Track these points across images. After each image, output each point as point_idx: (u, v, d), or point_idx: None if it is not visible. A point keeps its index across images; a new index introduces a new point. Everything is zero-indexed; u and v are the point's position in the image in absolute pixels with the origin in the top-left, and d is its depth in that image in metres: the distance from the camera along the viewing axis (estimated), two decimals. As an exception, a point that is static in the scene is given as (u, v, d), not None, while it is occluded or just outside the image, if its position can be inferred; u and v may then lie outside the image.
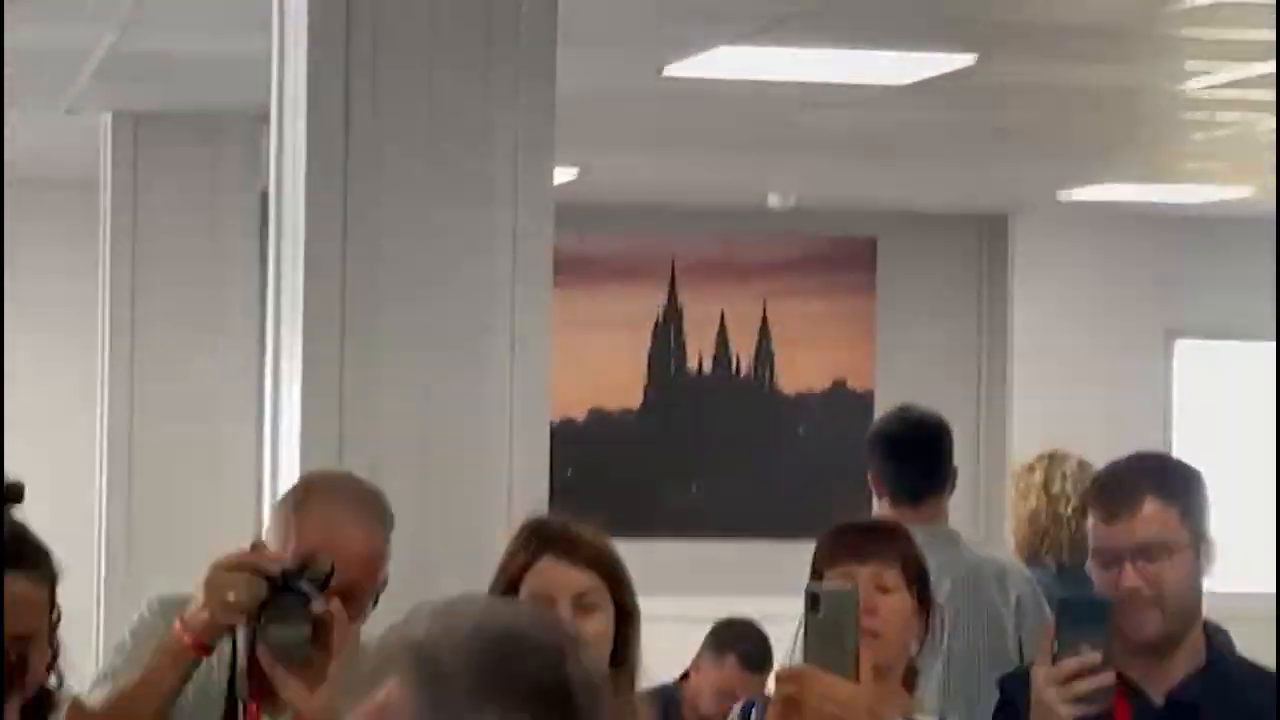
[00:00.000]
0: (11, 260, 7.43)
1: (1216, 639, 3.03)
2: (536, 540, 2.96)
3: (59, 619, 2.72)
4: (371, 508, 3.02)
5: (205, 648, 2.88)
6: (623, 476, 8.11)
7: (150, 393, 5.54)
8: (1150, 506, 2.82)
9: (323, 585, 2.79)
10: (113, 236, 5.65)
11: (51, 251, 7.40)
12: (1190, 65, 4.96)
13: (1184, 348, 9.18)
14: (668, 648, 5.49)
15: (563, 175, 5.45)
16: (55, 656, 2.74)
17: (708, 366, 8.48)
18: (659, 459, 8.34)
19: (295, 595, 2.78)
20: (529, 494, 3.82)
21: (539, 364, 3.95)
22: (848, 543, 3.36)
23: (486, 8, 3.74)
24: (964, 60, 4.80)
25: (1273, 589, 5.78)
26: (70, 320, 6.92)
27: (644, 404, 8.42)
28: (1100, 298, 8.73)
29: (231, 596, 2.77)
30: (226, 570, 2.83)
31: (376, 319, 3.72)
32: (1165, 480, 2.89)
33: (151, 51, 4.97)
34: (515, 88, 3.73)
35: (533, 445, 3.96)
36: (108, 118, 5.70)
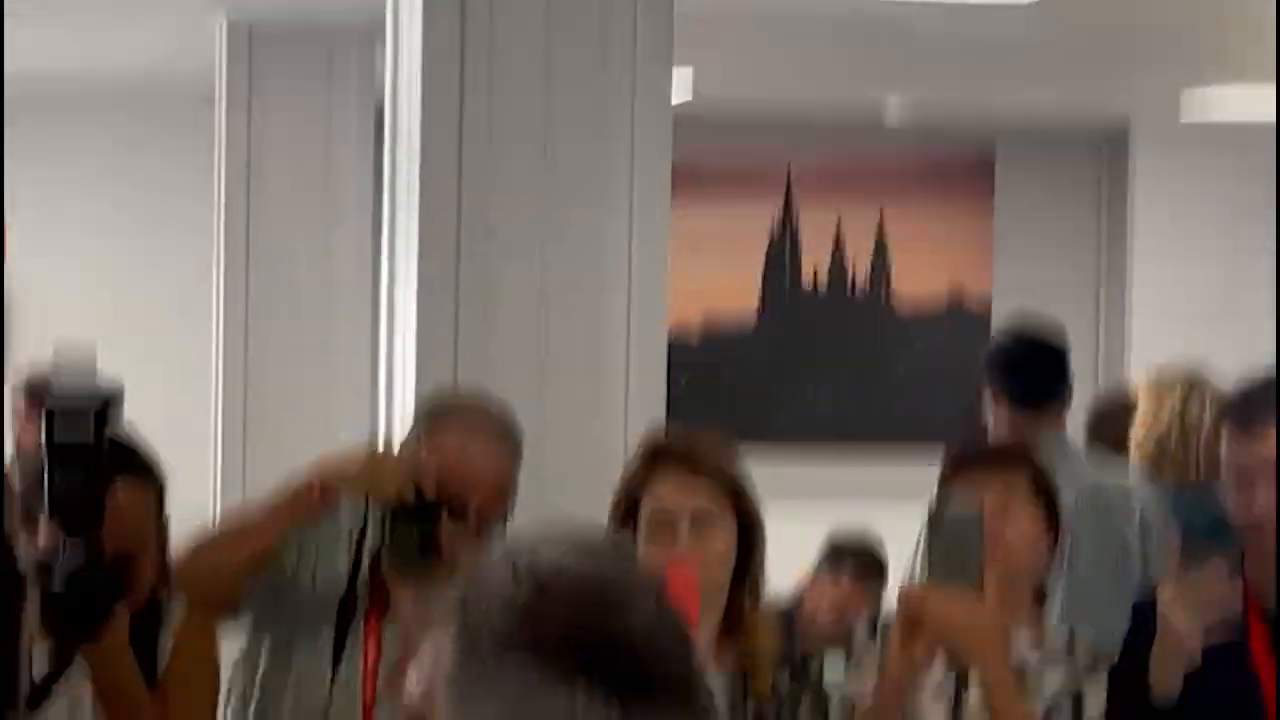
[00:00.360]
0: (130, 170, 7.58)
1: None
2: (655, 457, 2.95)
3: (168, 527, 2.76)
4: (505, 435, 3.03)
5: (329, 505, 2.91)
6: (736, 394, 8.10)
7: (265, 299, 5.58)
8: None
9: (452, 512, 2.84)
10: (228, 147, 5.67)
11: (167, 162, 7.47)
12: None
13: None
14: (782, 559, 5.52)
15: (677, 86, 5.41)
16: (165, 566, 2.77)
17: (823, 281, 8.41)
18: (773, 375, 8.31)
19: (427, 515, 2.81)
20: (647, 409, 3.81)
21: (656, 277, 3.94)
22: (975, 462, 3.31)
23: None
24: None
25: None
26: (186, 230, 6.97)
27: (758, 320, 8.38)
28: (1221, 213, 8.55)
29: (388, 480, 2.81)
30: (392, 461, 2.89)
31: (491, 229, 3.71)
32: None
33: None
34: (633, -4, 3.71)
35: (650, 359, 3.95)
36: (223, 29, 5.70)
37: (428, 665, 1.17)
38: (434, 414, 3.13)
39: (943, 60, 6.68)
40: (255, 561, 2.87)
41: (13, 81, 4.11)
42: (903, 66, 6.95)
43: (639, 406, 3.80)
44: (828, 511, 5.80)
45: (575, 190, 3.76)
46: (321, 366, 5.67)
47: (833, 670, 3.42)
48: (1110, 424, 4.64)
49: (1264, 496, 2.65)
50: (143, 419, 3.63)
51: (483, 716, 1.13)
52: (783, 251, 8.41)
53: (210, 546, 2.95)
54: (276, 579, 2.88)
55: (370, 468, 2.98)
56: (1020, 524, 2.90)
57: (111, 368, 3.47)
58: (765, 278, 8.34)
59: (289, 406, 5.46)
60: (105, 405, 2.70)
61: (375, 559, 2.92)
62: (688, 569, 2.76)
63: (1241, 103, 7.39)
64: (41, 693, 2.66)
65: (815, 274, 8.41)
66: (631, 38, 3.74)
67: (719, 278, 8.13)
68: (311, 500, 2.91)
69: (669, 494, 2.93)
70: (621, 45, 3.73)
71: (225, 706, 3.10)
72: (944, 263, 8.43)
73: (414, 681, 1.19)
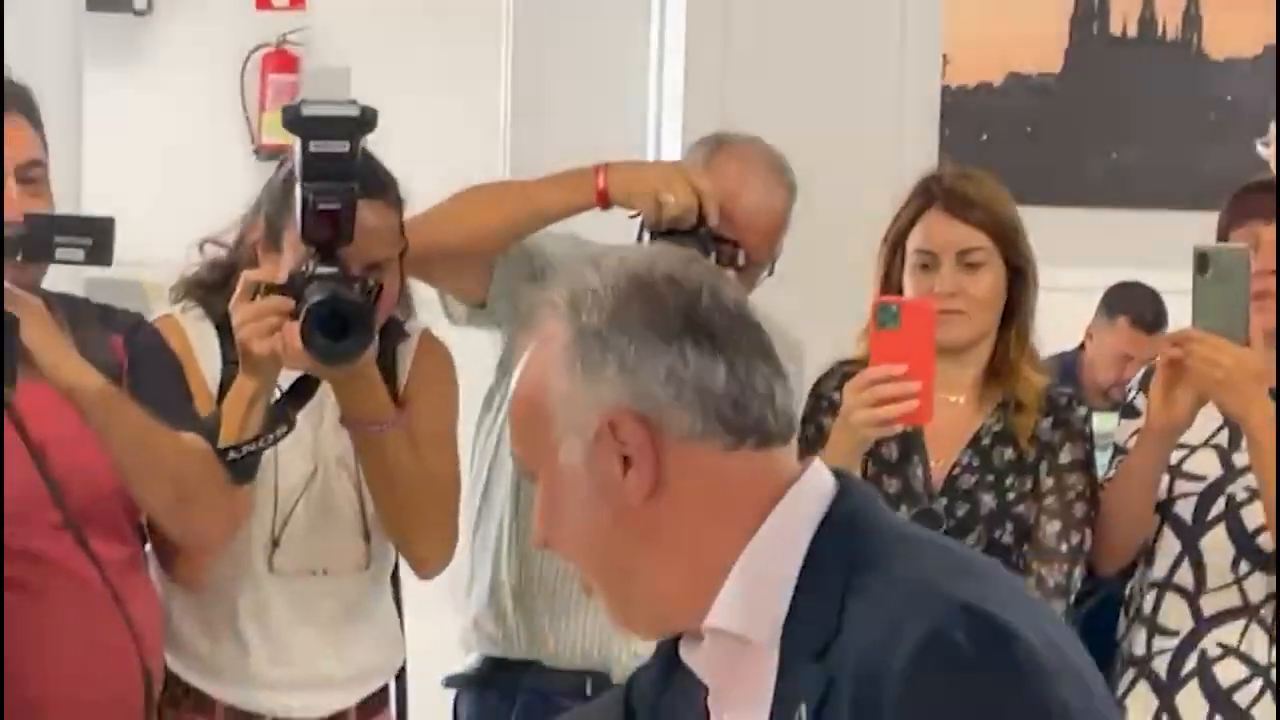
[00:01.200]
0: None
1: None
2: (927, 193, 2.94)
3: (407, 248, 2.80)
4: (782, 176, 3.03)
5: (605, 202, 2.96)
6: (1040, 143, 7.84)
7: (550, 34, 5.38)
8: None
9: (719, 249, 2.82)
10: None
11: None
12: None
13: None
14: (1076, 318, 5.35)
15: None
16: (404, 286, 2.83)
17: (1132, 28, 8.00)
18: (1078, 125, 7.99)
19: (700, 243, 2.84)
20: (920, 152, 3.77)
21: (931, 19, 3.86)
22: (1252, 201, 3.15)
23: None
24: None
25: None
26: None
27: (1064, 67, 8.05)
28: None
29: (677, 193, 2.86)
30: (682, 178, 2.91)
31: None
32: None
33: None
34: None
35: (924, 101, 3.91)
36: None
37: (532, 362, 1.39)
38: (712, 148, 3.12)
39: None
40: (517, 226, 2.84)
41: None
42: None
43: (913, 149, 3.76)
44: (1126, 275, 5.62)
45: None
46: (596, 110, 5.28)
47: (1106, 420, 3.37)
48: None
49: None
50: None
51: (606, 380, 1.32)
52: (1091, -1, 7.96)
53: (468, 204, 2.95)
54: (526, 271, 2.90)
55: (660, 175, 2.99)
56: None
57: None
58: (1072, 24, 7.94)
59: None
60: (361, 119, 2.66)
61: None
62: (924, 303, 2.78)
63: None
64: (285, 414, 2.76)
65: (1124, 20, 7.86)
66: None
67: (1022, 27, 7.84)
68: (594, 187, 2.90)
69: (935, 232, 2.94)
70: None
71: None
72: (1259, 7, 7.70)
73: (518, 380, 1.41)
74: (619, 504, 1.37)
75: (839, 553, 1.36)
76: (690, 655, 1.43)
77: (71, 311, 2.72)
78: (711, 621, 1.37)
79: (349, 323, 2.55)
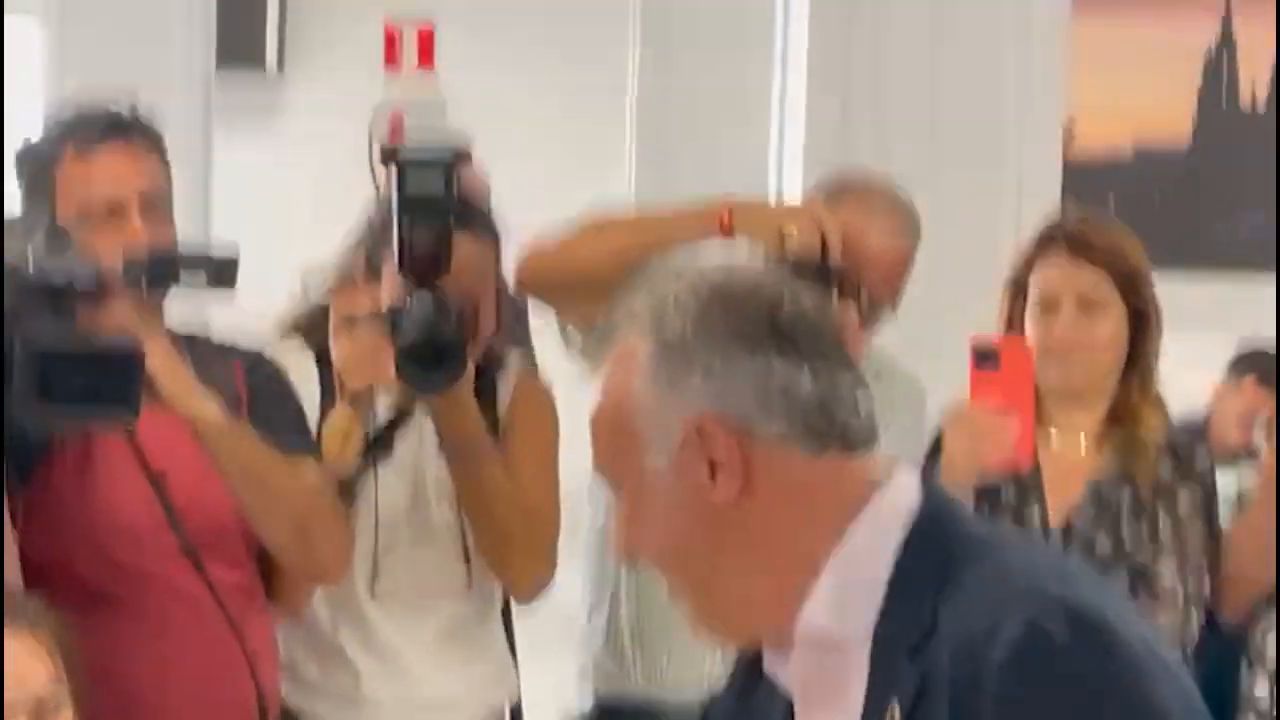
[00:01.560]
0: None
1: None
2: (1050, 236, 2.97)
3: (505, 283, 2.88)
4: (908, 219, 3.05)
5: (728, 233, 2.92)
6: (1167, 211, 7.84)
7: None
8: None
9: (841, 288, 2.88)
10: None
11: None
12: None
13: None
14: (1203, 383, 5.30)
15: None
16: (501, 318, 2.89)
17: (1261, 100, 7.97)
18: (1206, 195, 7.98)
19: (823, 280, 2.79)
20: (1040, 200, 3.80)
21: (1054, 67, 3.91)
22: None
23: None
24: None
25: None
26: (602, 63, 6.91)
27: (1192, 137, 8.02)
28: None
29: (803, 229, 2.84)
30: (808, 214, 2.93)
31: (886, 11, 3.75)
32: None
33: None
34: None
35: (1045, 152, 3.98)
36: None
37: (613, 374, 1.42)
38: (837, 188, 3.14)
39: None
40: (626, 260, 2.75)
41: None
42: None
43: (1032, 197, 3.80)
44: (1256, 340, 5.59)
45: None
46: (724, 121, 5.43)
47: (1232, 476, 3.36)
48: None
49: None
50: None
51: (691, 389, 1.35)
52: (1220, 68, 7.89)
53: (593, 232, 2.99)
54: None
55: (785, 211, 3.02)
56: None
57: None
58: (1201, 95, 7.92)
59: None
60: (455, 160, 2.78)
61: None
62: (1019, 343, 2.79)
63: None
64: (384, 441, 2.82)
65: (1253, 92, 7.88)
66: None
67: (1150, 98, 7.83)
68: (718, 221, 2.88)
69: (1056, 276, 2.94)
70: None
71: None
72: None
73: (600, 392, 1.44)
74: (707, 508, 1.39)
75: (930, 553, 1.37)
76: (775, 666, 1.44)
77: (194, 344, 2.79)
78: (804, 622, 1.38)
79: (443, 353, 2.63)
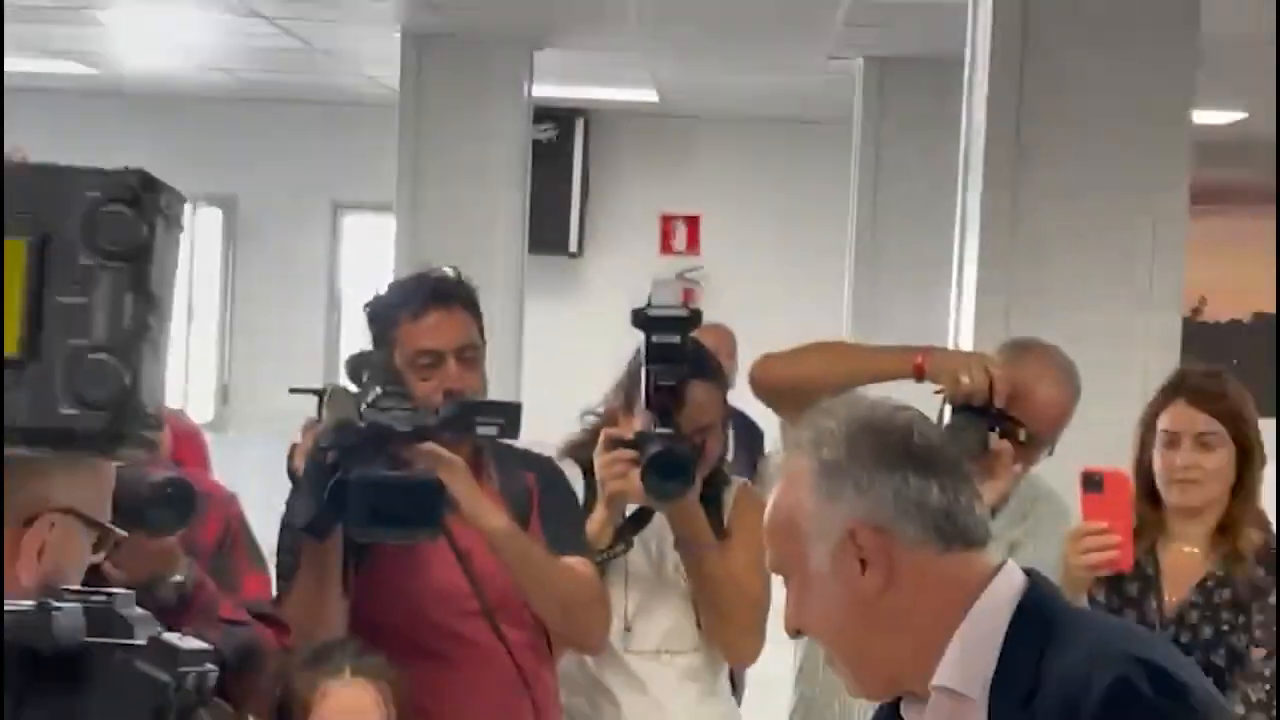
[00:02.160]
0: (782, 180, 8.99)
1: None
2: (1175, 386, 3.48)
3: (728, 422, 3.43)
4: (1072, 379, 3.47)
5: (920, 375, 3.30)
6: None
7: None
8: None
9: (1004, 428, 3.24)
10: (859, 173, 6.57)
11: (807, 186, 8.82)
12: None
13: None
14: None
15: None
16: (726, 443, 3.46)
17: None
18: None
19: (986, 417, 3.17)
20: (1162, 370, 4.12)
21: (1175, 269, 4.52)
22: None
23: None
24: None
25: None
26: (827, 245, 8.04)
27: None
28: None
29: (974, 374, 3.15)
30: (980, 364, 3.22)
31: (1041, 231, 4.61)
32: None
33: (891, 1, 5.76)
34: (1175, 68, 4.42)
35: (1167, 340, 4.42)
36: (861, 69, 6.54)
37: (784, 489, 1.65)
38: (1018, 348, 3.55)
39: None
40: (838, 380, 3.20)
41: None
42: None
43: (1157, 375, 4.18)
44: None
45: (1105, 205, 4.54)
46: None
47: None
48: None
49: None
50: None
51: (845, 500, 1.57)
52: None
53: (817, 352, 3.49)
54: None
55: (963, 360, 3.48)
56: None
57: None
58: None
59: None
60: (689, 319, 3.27)
61: None
62: (1120, 473, 3.28)
63: None
64: (628, 534, 3.26)
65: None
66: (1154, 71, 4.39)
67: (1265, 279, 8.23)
68: (913, 363, 3.32)
69: (1178, 417, 3.40)
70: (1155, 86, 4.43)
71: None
72: None
73: (772, 505, 1.67)
74: (859, 595, 1.58)
75: (1035, 624, 1.58)
76: (911, 714, 1.64)
77: (500, 453, 3.11)
78: (937, 680, 1.57)
79: (677, 470, 3.01)
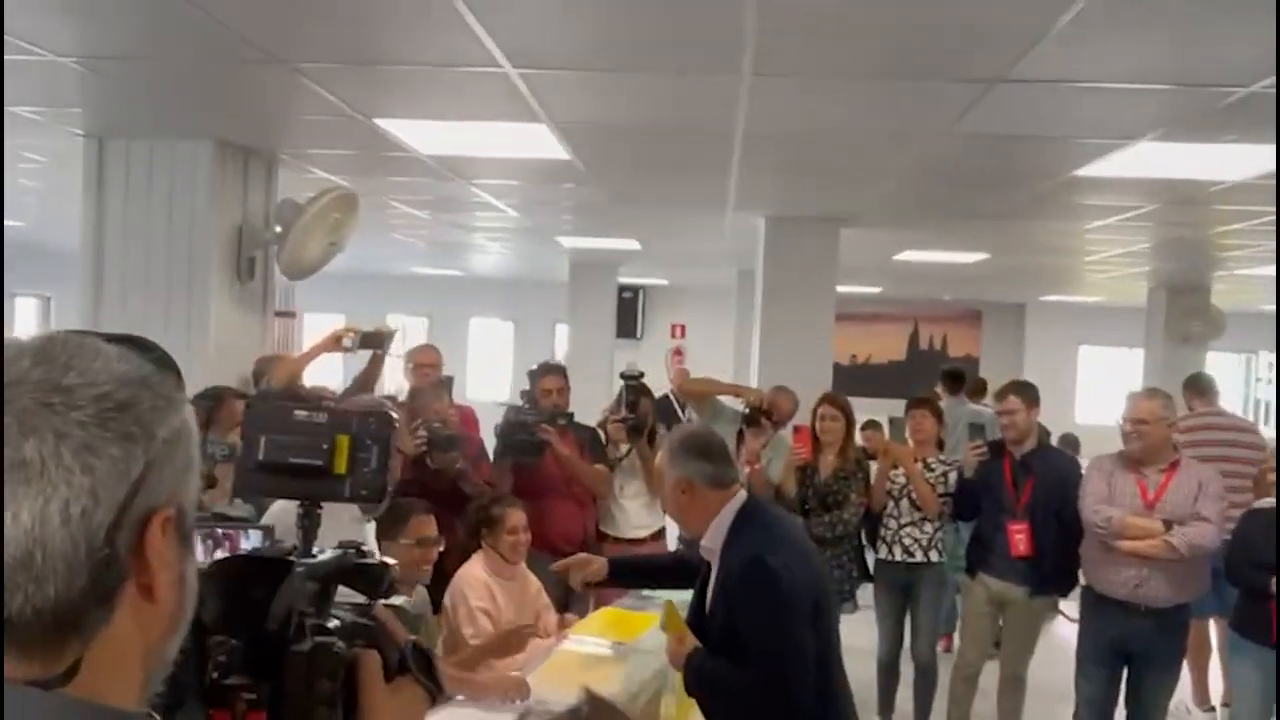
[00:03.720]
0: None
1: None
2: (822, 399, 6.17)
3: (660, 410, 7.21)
4: (793, 398, 6.58)
5: (739, 396, 6.47)
6: None
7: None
8: None
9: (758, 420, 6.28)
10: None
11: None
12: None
13: None
14: None
15: None
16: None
17: None
18: None
19: (754, 417, 6.33)
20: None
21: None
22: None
23: None
24: None
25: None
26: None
27: None
28: None
29: (754, 398, 6.31)
30: (750, 390, 6.47)
31: None
32: None
33: None
34: None
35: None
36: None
37: (660, 459, 3.46)
38: (774, 389, 6.57)
39: None
40: (712, 391, 6.69)
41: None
42: None
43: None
44: None
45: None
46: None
47: None
48: None
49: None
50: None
51: (679, 466, 3.31)
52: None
53: (702, 381, 7.02)
54: None
55: (756, 390, 6.38)
56: None
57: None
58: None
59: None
60: (640, 375, 6.31)
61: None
62: (806, 427, 6.20)
63: None
64: (622, 455, 6.06)
65: None
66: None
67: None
68: (737, 390, 6.49)
69: (826, 409, 6.11)
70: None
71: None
72: None
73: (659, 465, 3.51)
74: (680, 502, 3.22)
75: (743, 520, 3.13)
76: (703, 549, 3.23)
77: (576, 426, 6.03)
78: (704, 544, 3.19)
79: (636, 429, 6.15)
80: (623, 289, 16.19)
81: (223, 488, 3.75)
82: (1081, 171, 5.32)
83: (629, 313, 17.16)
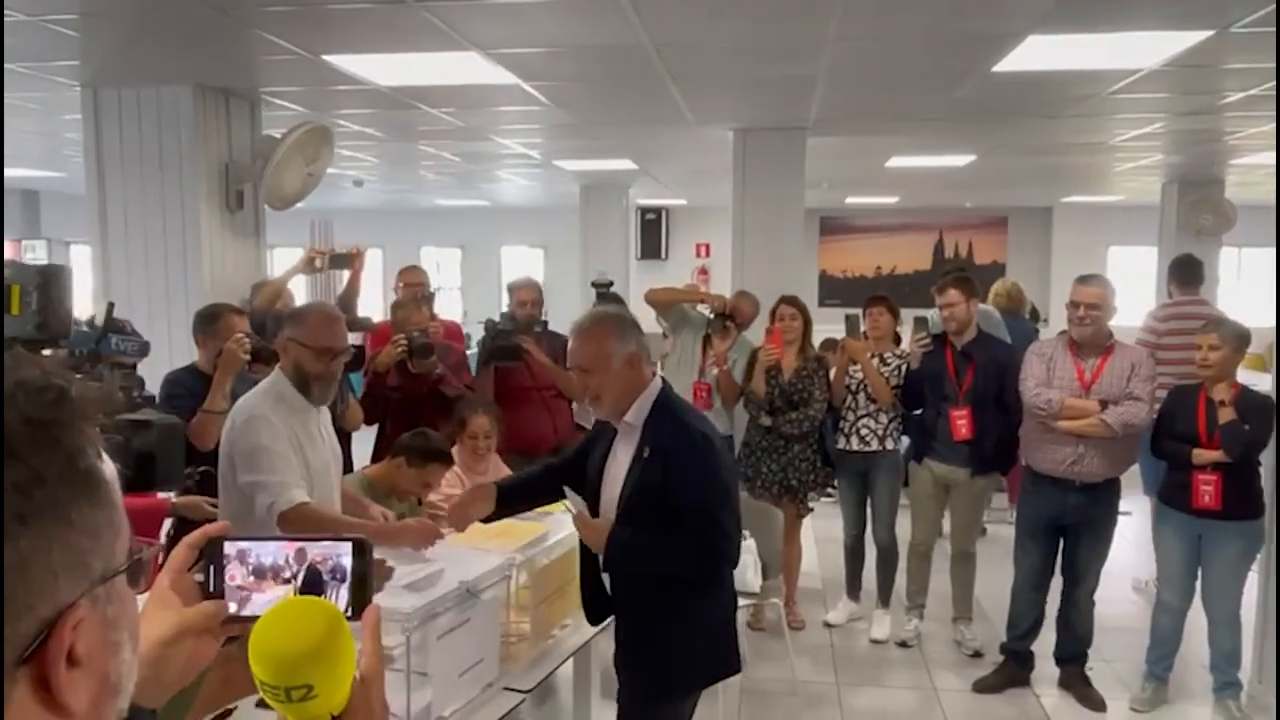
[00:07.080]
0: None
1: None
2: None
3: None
4: (754, 303, 6.71)
5: (711, 303, 6.84)
6: None
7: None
8: None
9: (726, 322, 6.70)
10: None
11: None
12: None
13: None
14: None
15: None
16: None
17: None
18: None
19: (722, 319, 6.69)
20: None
21: None
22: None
23: None
24: None
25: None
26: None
27: None
28: None
29: (718, 303, 6.74)
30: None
31: None
32: None
33: None
34: None
35: None
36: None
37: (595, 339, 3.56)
38: (737, 293, 6.76)
39: None
40: (676, 299, 7.11)
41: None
42: None
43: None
44: None
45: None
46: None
47: None
48: None
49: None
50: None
51: (618, 347, 3.49)
52: None
53: (666, 290, 7.13)
54: None
55: (720, 295, 6.73)
56: None
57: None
58: None
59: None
60: (609, 283, 9.54)
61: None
62: (779, 329, 6.29)
63: None
64: None
65: None
66: None
67: None
68: (705, 297, 6.81)
69: (784, 313, 6.33)
70: None
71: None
72: None
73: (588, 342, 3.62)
74: (611, 378, 3.38)
75: (660, 402, 3.42)
76: (621, 427, 3.46)
77: (548, 333, 6.56)
78: (626, 419, 3.43)
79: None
80: (645, 211, 16.92)
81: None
82: (998, 68, 5.54)
83: (653, 234, 17.28)
